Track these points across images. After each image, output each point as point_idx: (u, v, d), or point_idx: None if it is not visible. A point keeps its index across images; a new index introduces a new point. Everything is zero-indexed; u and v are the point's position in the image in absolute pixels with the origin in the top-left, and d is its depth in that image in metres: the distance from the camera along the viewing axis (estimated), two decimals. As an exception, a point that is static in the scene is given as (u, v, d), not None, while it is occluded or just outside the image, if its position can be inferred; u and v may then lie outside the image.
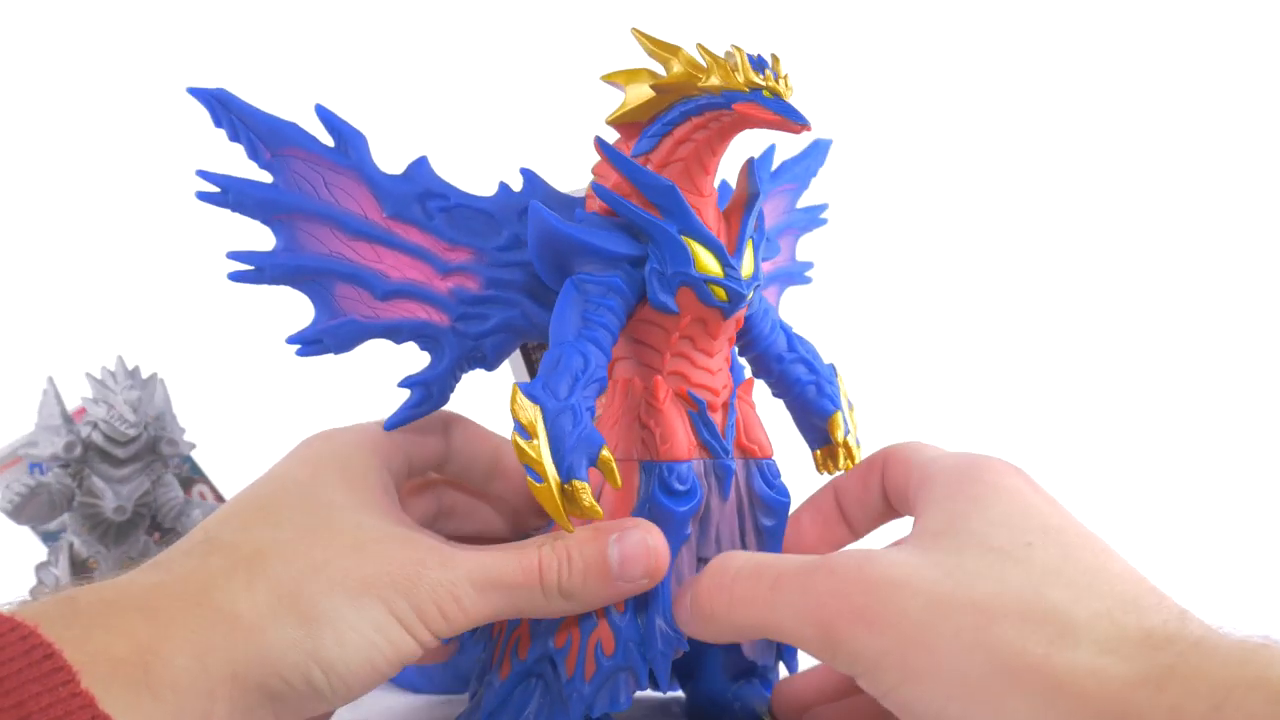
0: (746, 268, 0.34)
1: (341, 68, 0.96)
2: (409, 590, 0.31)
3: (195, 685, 0.27)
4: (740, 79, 0.31)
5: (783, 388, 0.38)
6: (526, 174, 0.36)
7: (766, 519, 0.35)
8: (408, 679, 0.45)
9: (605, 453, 0.31)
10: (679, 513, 0.33)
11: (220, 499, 0.60)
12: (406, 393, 0.35)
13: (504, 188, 0.36)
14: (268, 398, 0.88)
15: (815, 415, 0.38)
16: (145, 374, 0.56)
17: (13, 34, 0.97)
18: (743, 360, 0.38)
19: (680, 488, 0.33)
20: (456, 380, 0.36)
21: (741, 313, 0.35)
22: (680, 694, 0.40)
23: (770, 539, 0.35)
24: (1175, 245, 1.01)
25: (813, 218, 0.43)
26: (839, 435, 0.38)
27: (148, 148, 0.94)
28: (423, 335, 0.35)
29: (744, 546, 0.35)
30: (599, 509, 0.31)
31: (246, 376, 0.89)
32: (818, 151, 0.42)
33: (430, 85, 0.96)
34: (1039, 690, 0.25)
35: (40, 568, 0.56)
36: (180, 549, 0.31)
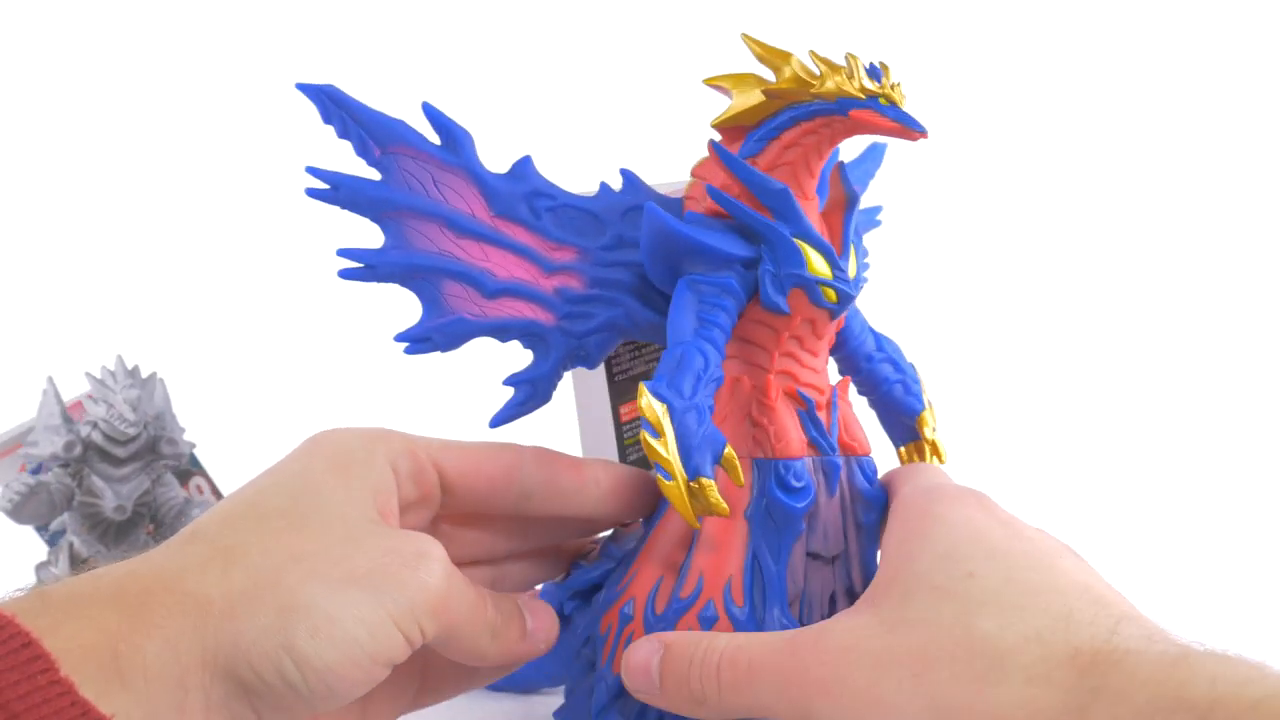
0: (851, 269, 0.35)
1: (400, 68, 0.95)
2: (404, 581, 0.29)
3: (166, 672, 0.26)
4: (856, 86, 0.32)
5: (870, 386, 0.39)
6: (626, 174, 0.36)
7: (866, 515, 0.36)
8: None
9: (729, 450, 0.32)
10: (796, 509, 0.34)
11: (218, 494, 0.60)
12: (510, 392, 0.36)
13: (605, 188, 0.36)
14: (270, 398, 0.86)
15: (904, 413, 0.39)
16: (145, 373, 0.55)
17: (11, 33, 0.95)
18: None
19: (796, 484, 0.34)
20: (559, 378, 0.36)
21: (840, 323, 0.36)
22: None
23: (870, 534, 0.36)
24: (1195, 247, 1.03)
25: (870, 219, 0.44)
26: (928, 432, 0.39)
27: (147, 148, 0.93)
28: (529, 334, 0.35)
29: (847, 542, 0.36)
30: (725, 506, 0.32)
31: (248, 376, 0.87)
32: (875, 155, 0.43)
33: (485, 87, 0.96)
34: None
35: (40, 567, 0.55)
36: (162, 545, 0.30)
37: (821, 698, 0.29)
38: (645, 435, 0.32)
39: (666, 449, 0.32)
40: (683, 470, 0.32)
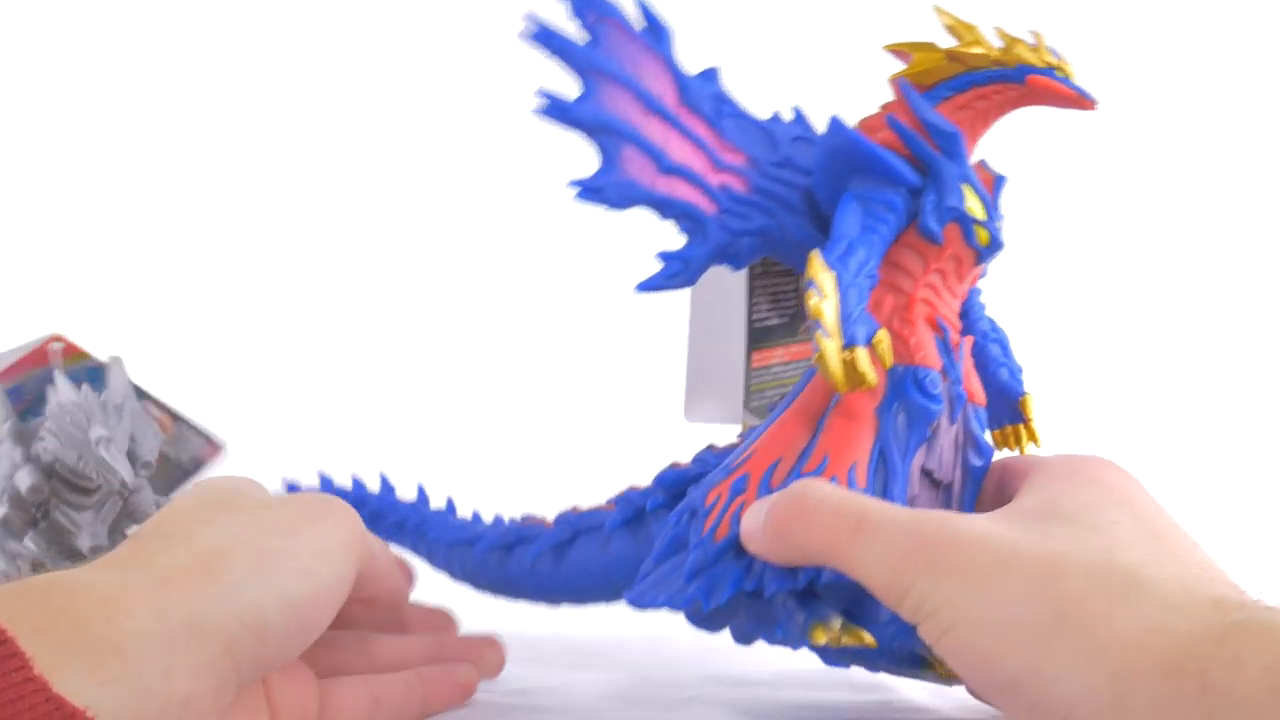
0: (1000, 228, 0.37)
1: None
2: (336, 518, 0.34)
3: (156, 638, 0.27)
4: (1038, 56, 0.36)
5: (979, 363, 0.40)
6: (797, 110, 0.39)
7: (976, 459, 0.37)
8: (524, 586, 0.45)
9: (883, 333, 0.34)
10: (931, 409, 0.35)
11: (173, 415, 0.50)
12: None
13: (777, 116, 0.39)
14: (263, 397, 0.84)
15: (1009, 394, 0.40)
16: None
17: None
18: None
19: (931, 390, 0.35)
20: (706, 267, 0.37)
21: (983, 269, 0.38)
22: None
23: (974, 480, 0.37)
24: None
25: None
26: (1031, 413, 0.40)
27: (130, 146, 0.93)
28: (689, 216, 0.37)
29: (954, 476, 0.36)
30: (873, 375, 0.33)
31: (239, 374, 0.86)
32: None
33: None
34: (1095, 645, 0.26)
35: None
36: (115, 550, 0.32)
37: (926, 573, 0.28)
38: (811, 294, 0.33)
39: (830, 312, 0.33)
40: (840, 335, 0.33)
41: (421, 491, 0.49)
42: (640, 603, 0.36)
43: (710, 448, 0.40)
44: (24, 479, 0.41)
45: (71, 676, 0.25)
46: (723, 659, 0.46)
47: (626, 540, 0.40)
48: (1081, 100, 0.36)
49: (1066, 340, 0.91)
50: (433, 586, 0.46)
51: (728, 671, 0.45)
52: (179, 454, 0.47)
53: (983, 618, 0.27)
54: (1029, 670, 0.26)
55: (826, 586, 0.33)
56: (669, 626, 0.46)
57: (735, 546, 0.34)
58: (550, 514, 0.44)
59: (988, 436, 0.38)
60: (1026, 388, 0.41)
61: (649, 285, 0.37)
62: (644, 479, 0.42)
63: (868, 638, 0.33)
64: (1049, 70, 0.36)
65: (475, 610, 0.46)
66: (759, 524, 0.33)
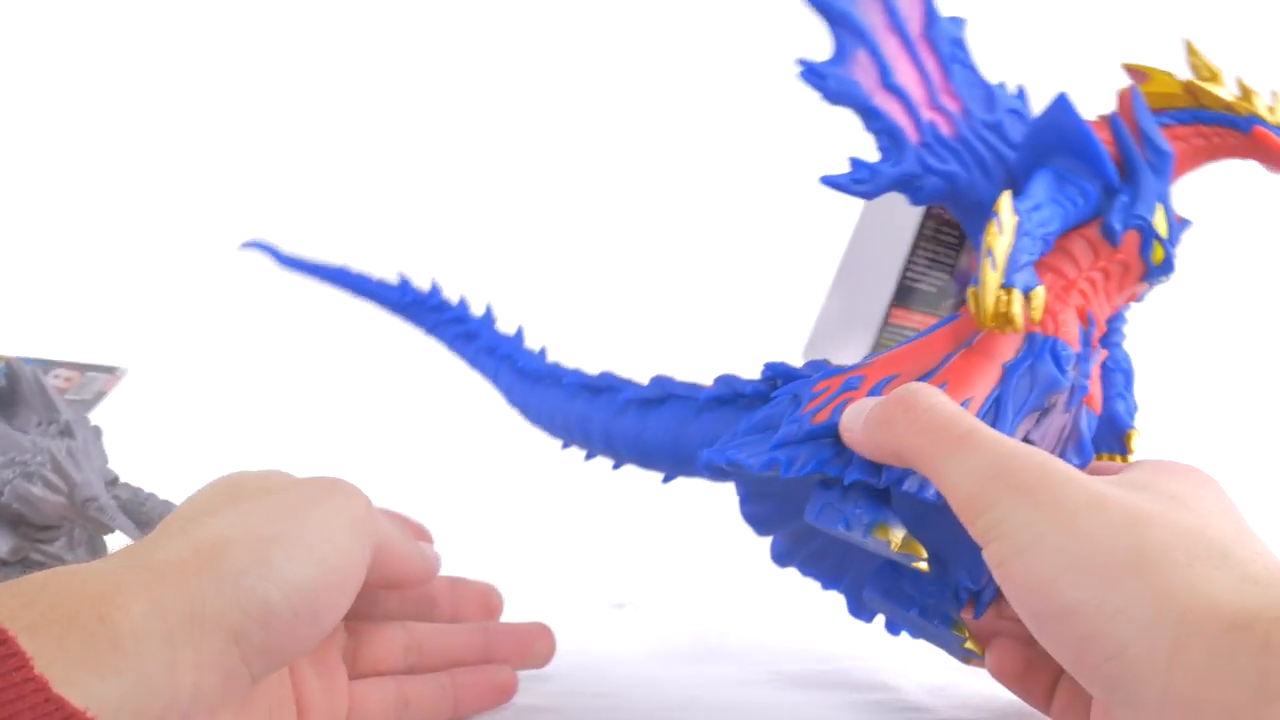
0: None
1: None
2: (343, 501, 0.33)
3: (154, 631, 0.26)
4: (1271, 115, 0.36)
5: (1102, 383, 0.40)
6: (1021, 88, 0.40)
7: (1074, 456, 0.36)
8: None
9: (1041, 289, 0.34)
10: (1057, 378, 0.34)
11: (78, 368, 0.47)
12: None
13: (1002, 85, 0.40)
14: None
15: (1117, 425, 0.40)
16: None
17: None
18: None
19: (1065, 363, 0.35)
20: (888, 189, 0.37)
21: (1146, 289, 0.38)
22: None
23: None
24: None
25: None
26: (1134, 448, 0.40)
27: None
28: (892, 136, 0.37)
29: None
30: (1020, 322, 0.33)
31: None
32: None
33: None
34: (1166, 588, 0.25)
35: None
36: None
37: (1013, 494, 0.28)
38: (992, 225, 0.33)
39: (1002, 247, 0.33)
40: (1003, 272, 0.33)
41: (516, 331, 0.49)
42: (718, 457, 0.36)
43: (825, 361, 0.40)
44: (1, 545, 0.41)
45: (69, 673, 0.24)
46: (723, 659, 0.46)
47: (716, 416, 0.40)
48: None
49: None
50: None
51: (728, 671, 0.45)
52: (84, 394, 0.46)
53: (1058, 548, 0.27)
54: (1092, 600, 0.26)
55: (901, 497, 0.33)
56: (669, 626, 0.48)
57: (830, 433, 0.34)
58: None
59: (1090, 442, 0.38)
60: (1136, 425, 0.41)
61: (834, 181, 0.37)
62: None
63: (923, 554, 0.33)
64: (1279, 130, 0.36)
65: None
66: (861, 415, 0.33)
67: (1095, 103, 0.39)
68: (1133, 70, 0.39)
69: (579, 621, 0.48)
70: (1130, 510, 0.28)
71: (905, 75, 0.38)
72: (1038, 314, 0.34)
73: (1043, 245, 0.35)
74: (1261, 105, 0.37)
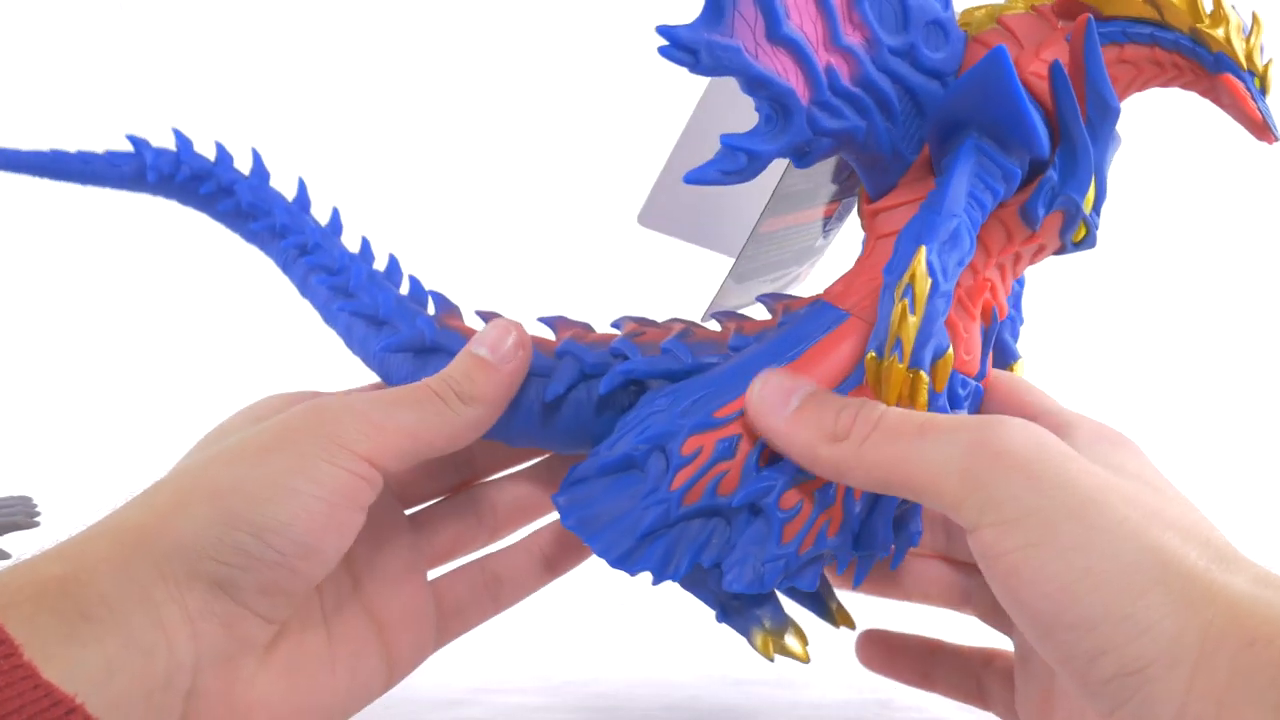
0: None
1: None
2: (316, 428, 0.30)
3: (127, 595, 0.26)
4: (1243, 51, 0.29)
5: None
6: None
7: None
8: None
9: (950, 354, 0.29)
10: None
11: None
12: None
13: None
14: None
15: (1004, 355, 0.37)
16: None
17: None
18: None
19: (962, 392, 0.32)
20: (764, 167, 0.32)
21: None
22: None
23: None
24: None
25: None
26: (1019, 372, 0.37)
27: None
28: (779, 103, 0.31)
29: None
30: (924, 400, 0.29)
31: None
32: None
33: None
34: (1189, 593, 0.24)
35: None
36: None
37: (1016, 474, 0.26)
38: (902, 306, 0.29)
39: (912, 332, 0.28)
40: (909, 353, 0.29)
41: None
42: (567, 518, 0.33)
43: (684, 332, 0.35)
44: None
45: (45, 649, 0.24)
46: (723, 659, 0.45)
47: (565, 401, 0.35)
48: (1264, 130, 0.29)
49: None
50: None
51: (727, 671, 0.45)
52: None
53: (1071, 545, 0.25)
54: (1116, 615, 0.24)
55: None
56: (670, 625, 0.48)
57: (704, 512, 0.31)
58: None
59: None
60: (1021, 351, 0.38)
61: (700, 176, 0.31)
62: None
63: (804, 655, 0.32)
64: (1249, 75, 0.29)
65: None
66: (789, 406, 0.30)
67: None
68: None
69: (580, 620, 0.48)
70: (1139, 504, 0.26)
71: (801, 13, 0.31)
72: (942, 382, 0.30)
73: (959, 273, 0.31)
74: (1236, 36, 0.29)
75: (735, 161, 0.31)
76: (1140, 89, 0.32)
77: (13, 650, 0.24)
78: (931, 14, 0.32)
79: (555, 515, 0.37)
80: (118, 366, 0.86)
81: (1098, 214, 0.32)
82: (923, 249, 0.29)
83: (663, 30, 0.30)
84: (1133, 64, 0.31)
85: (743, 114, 0.33)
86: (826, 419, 0.30)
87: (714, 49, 0.30)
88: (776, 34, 0.31)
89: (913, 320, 0.28)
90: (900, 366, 0.29)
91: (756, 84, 0.31)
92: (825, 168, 0.39)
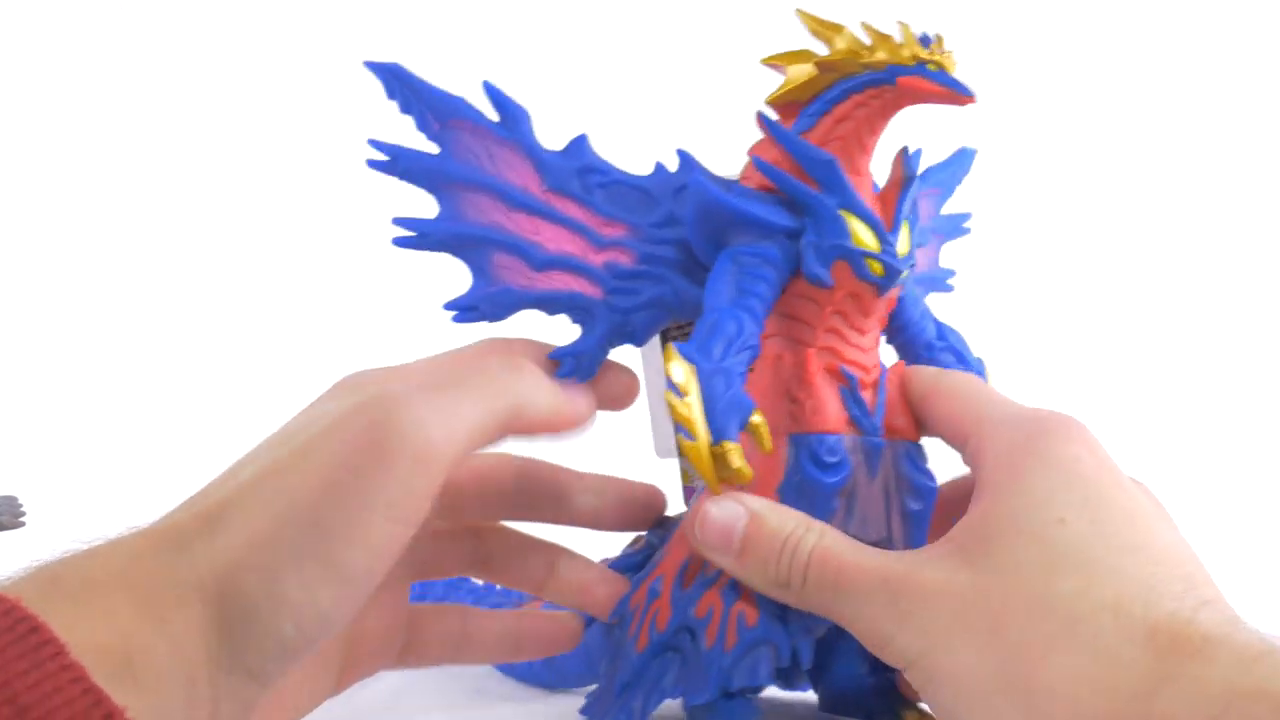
0: (902, 246, 0.34)
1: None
2: (374, 472, 0.27)
3: (176, 672, 0.25)
4: (906, 53, 0.32)
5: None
6: (683, 155, 0.36)
7: (914, 502, 0.34)
8: (517, 670, 0.45)
9: (757, 417, 0.32)
10: (828, 484, 0.33)
11: None
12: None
13: (660, 167, 0.36)
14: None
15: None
16: None
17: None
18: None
19: (830, 459, 0.33)
20: (604, 354, 0.36)
21: (895, 292, 0.35)
22: (811, 695, 0.39)
23: (917, 523, 0.35)
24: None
25: (955, 226, 0.43)
26: None
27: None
28: (576, 307, 0.35)
29: (889, 529, 0.34)
30: (748, 470, 0.31)
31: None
32: (962, 160, 0.42)
33: (570, 70, 0.96)
34: (1032, 698, 0.26)
35: None
36: (171, 512, 0.29)
37: (905, 635, 0.29)
38: (670, 395, 0.31)
39: (690, 410, 0.31)
40: (707, 432, 0.31)
41: None
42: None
43: (658, 522, 0.38)
44: None
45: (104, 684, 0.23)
46: None
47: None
48: (955, 95, 0.32)
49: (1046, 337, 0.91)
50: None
51: None
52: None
53: (949, 678, 0.28)
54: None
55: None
56: None
57: (658, 651, 0.34)
58: None
59: (929, 472, 0.35)
60: (985, 358, 0.38)
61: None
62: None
63: None
64: (920, 67, 0.32)
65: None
66: (733, 549, 0.32)
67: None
68: (773, 65, 0.35)
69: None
70: (987, 609, 0.27)
71: (554, 241, 0.35)
72: (766, 441, 0.32)
73: (748, 355, 0.33)
74: (894, 48, 0.32)
75: (566, 367, 0.35)
76: (880, 124, 0.34)
77: (59, 650, 0.22)
78: (677, 184, 0.36)
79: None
80: (103, 366, 0.87)
81: (890, 250, 0.33)
82: (669, 348, 0.32)
83: (448, 305, 0.35)
84: (849, 119, 0.33)
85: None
86: (769, 569, 0.31)
87: (491, 298, 0.35)
88: (538, 262, 0.35)
89: (682, 402, 0.31)
90: (697, 444, 0.31)
91: (544, 304, 0.35)
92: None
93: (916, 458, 0.35)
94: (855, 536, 0.33)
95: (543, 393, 0.33)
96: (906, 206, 0.35)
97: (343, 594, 0.27)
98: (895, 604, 0.29)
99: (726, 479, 0.31)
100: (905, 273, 0.34)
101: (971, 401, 0.33)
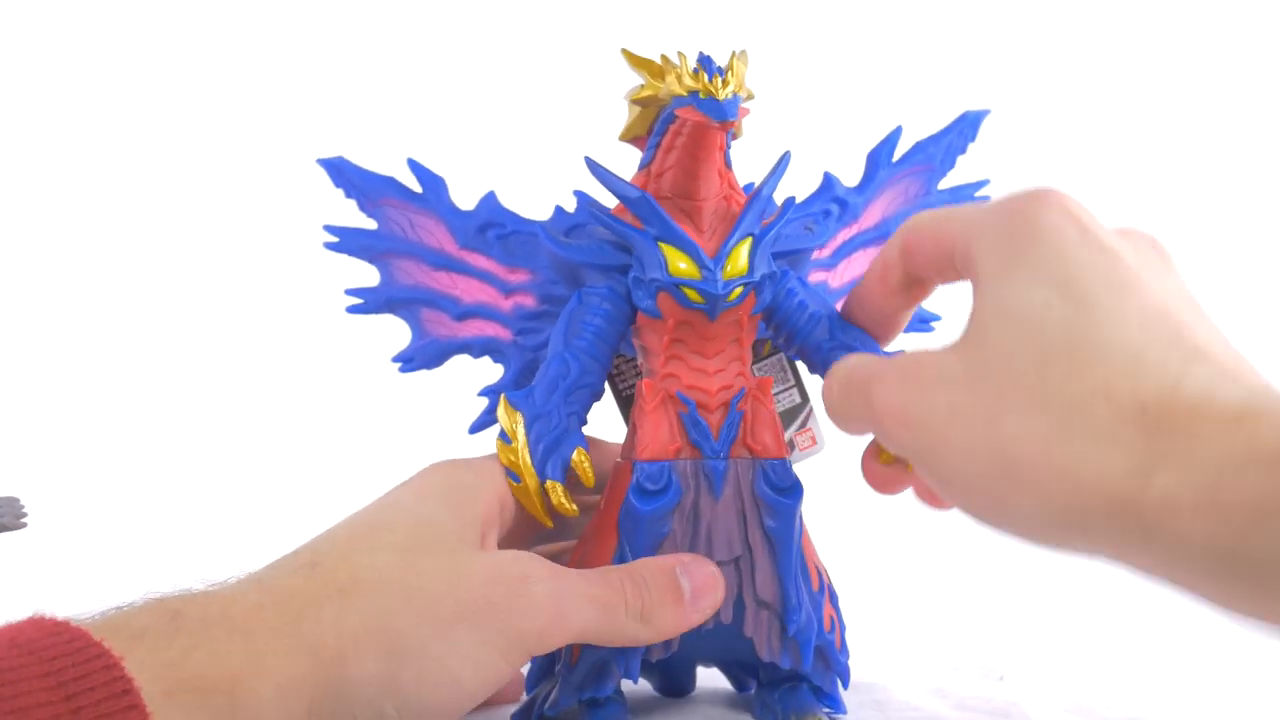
0: (734, 267, 0.34)
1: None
2: (509, 609, 0.31)
3: (276, 714, 0.27)
4: (684, 83, 0.32)
5: (811, 357, 0.38)
6: (580, 195, 0.38)
7: (770, 520, 0.35)
8: None
9: (578, 455, 0.34)
10: (644, 512, 0.34)
11: None
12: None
13: (559, 210, 0.39)
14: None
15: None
16: None
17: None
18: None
19: (650, 487, 0.34)
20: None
21: (740, 312, 0.35)
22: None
23: (778, 540, 0.35)
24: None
25: (964, 198, 0.41)
26: None
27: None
28: (492, 349, 0.40)
29: (746, 547, 0.35)
30: (572, 506, 0.34)
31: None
32: (964, 125, 0.40)
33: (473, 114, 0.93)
34: (1039, 485, 0.26)
35: None
36: (285, 568, 0.31)
37: (900, 425, 0.29)
38: (498, 441, 0.35)
39: (517, 456, 0.35)
40: (533, 475, 0.34)
41: None
42: None
43: None
44: None
45: None
46: None
47: None
48: (706, 122, 0.32)
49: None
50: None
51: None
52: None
53: (949, 472, 0.28)
54: (993, 516, 0.28)
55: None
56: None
57: (542, 666, 0.37)
58: None
59: (788, 489, 0.35)
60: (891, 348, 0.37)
61: (478, 426, 0.40)
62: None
63: None
64: (692, 96, 0.33)
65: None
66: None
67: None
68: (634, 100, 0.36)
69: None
70: (982, 403, 0.28)
71: (469, 292, 0.39)
72: (588, 477, 0.34)
73: (582, 391, 0.35)
74: (674, 80, 0.33)
75: (493, 402, 0.39)
76: (700, 152, 0.34)
77: (144, 717, 0.24)
78: (568, 223, 0.38)
79: None
80: (104, 368, 0.88)
81: (710, 277, 0.34)
82: (502, 397, 0.35)
83: (394, 359, 0.40)
84: (673, 149, 0.34)
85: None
86: (846, 404, 0.32)
87: (423, 350, 0.40)
88: (457, 313, 0.39)
89: (509, 449, 0.34)
90: (523, 485, 0.34)
91: (466, 349, 0.40)
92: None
93: (774, 475, 0.35)
94: (706, 555, 0.35)
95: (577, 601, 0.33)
96: (745, 223, 0.35)
97: (446, 701, 0.30)
98: (897, 402, 0.30)
99: (558, 513, 0.35)
100: (737, 292, 0.34)
101: (946, 220, 0.32)
